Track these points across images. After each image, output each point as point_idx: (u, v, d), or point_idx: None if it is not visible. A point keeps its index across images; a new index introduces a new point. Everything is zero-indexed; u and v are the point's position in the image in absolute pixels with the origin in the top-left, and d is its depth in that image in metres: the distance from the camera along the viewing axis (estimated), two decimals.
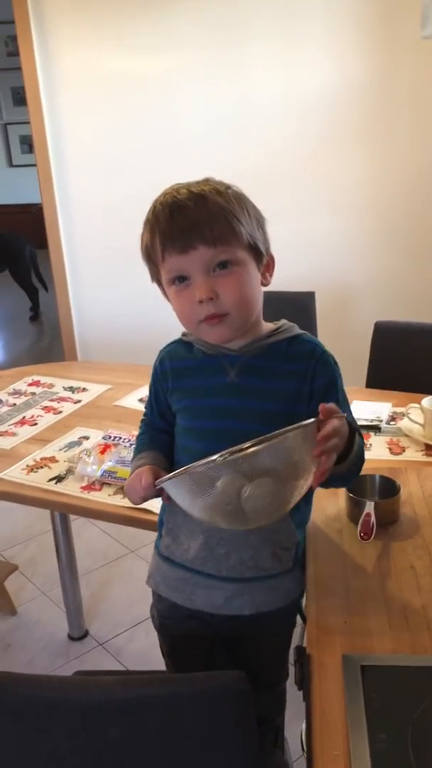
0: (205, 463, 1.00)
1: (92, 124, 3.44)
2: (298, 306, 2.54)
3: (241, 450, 0.99)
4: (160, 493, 1.15)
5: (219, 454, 0.99)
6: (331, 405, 1.05)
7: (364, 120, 3.23)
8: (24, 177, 8.52)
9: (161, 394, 1.29)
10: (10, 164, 8.97)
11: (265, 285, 1.19)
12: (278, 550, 1.24)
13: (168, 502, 1.16)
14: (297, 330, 1.23)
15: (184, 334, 1.27)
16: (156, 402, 1.31)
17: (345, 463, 1.11)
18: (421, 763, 0.84)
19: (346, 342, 3.19)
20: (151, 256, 1.16)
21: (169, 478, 1.05)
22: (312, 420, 1.01)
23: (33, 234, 6.96)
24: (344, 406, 1.18)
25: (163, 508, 1.32)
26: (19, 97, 8.31)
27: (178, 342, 1.29)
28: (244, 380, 1.19)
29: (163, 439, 1.30)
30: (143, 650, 2.32)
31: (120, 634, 2.40)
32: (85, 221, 3.62)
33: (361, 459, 1.17)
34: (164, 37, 3.23)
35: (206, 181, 1.14)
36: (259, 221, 1.16)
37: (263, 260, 1.17)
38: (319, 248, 3.43)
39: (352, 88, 3.18)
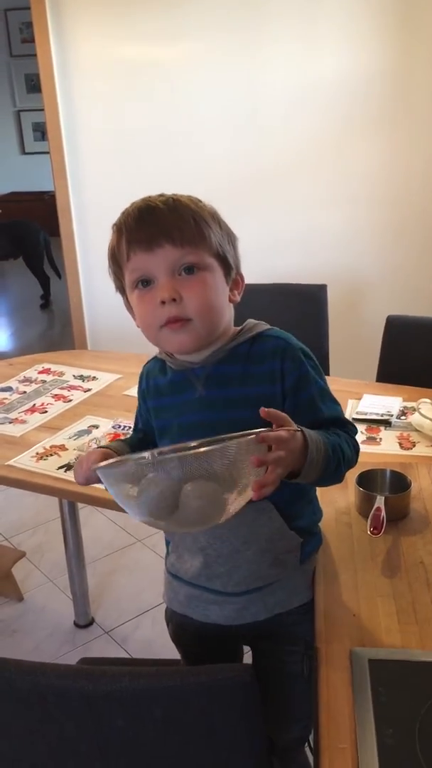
0: (138, 458, 0.99)
1: (106, 112, 3.43)
2: (310, 298, 2.53)
3: (180, 450, 0.97)
4: (87, 478, 1.12)
5: (156, 450, 0.98)
6: (276, 413, 0.98)
7: (380, 111, 3.20)
8: (37, 164, 8.52)
9: (143, 410, 1.27)
10: (23, 151, 8.97)
11: (232, 302, 1.14)
12: (280, 556, 1.20)
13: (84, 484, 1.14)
14: (261, 327, 1.17)
15: (159, 352, 1.24)
16: (140, 420, 1.29)
17: (305, 476, 1.02)
18: (428, 758, 0.84)
19: (357, 335, 3.20)
20: (116, 258, 1.12)
21: (108, 465, 1.00)
22: (262, 429, 0.95)
23: (45, 222, 6.97)
24: (321, 401, 1.12)
25: None
26: (33, 84, 8.30)
27: (154, 359, 1.26)
28: (212, 392, 1.14)
29: (139, 438, 1.27)
30: (149, 639, 2.32)
31: (126, 623, 2.41)
32: (98, 209, 3.61)
33: (332, 462, 1.05)
34: (179, 24, 3.22)
35: (181, 194, 1.11)
36: (230, 237, 1.13)
37: (232, 274, 1.13)
38: (333, 240, 3.41)
39: (369, 79, 3.16)
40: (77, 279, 3.74)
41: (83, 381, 2.26)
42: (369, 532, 1.29)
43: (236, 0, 3.13)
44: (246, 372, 1.12)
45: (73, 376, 2.30)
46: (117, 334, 3.79)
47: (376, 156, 3.28)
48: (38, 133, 8.70)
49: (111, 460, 1.03)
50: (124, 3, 3.22)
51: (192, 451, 0.95)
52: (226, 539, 1.18)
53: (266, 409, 0.97)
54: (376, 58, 3.13)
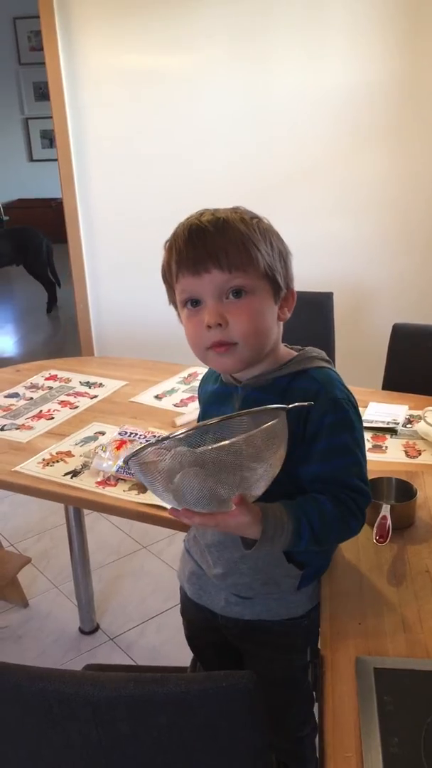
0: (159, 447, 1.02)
1: (114, 120, 3.44)
2: (317, 306, 2.53)
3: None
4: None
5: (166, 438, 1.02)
6: (245, 507, 1.00)
7: (387, 119, 3.21)
8: (44, 172, 8.56)
9: (201, 417, 1.31)
10: (31, 159, 9.01)
11: (281, 320, 1.14)
12: (276, 578, 1.21)
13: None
14: (311, 363, 1.15)
15: None
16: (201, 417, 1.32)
17: (260, 549, 1.06)
18: None
19: (363, 343, 3.20)
20: (166, 277, 1.14)
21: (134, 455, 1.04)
22: (258, 409, 1.01)
23: (52, 229, 6.99)
24: (333, 456, 1.10)
25: None
26: (41, 92, 8.35)
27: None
28: None
29: None
30: (154, 645, 2.32)
31: (131, 629, 2.41)
32: (105, 216, 3.63)
33: (299, 546, 1.09)
34: (187, 33, 3.23)
35: (235, 209, 1.11)
36: (282, 254, 1.12)
37: (281, 293, 1.13)
38: (339, 248, 3.42)
39: (376, 86, 3.16)
40: (84, 286, 3.75)
41: (90, 387, 2.27)
42: (375, 541, 1.29)
43: (243, 10, 3.15)
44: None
45: (80, 382, 2.31)
46: (124, 341, 3.81)
47: (383, 164, 3.29)
48: (46, 141, 8.75)
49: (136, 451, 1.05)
50: (132, 12, 3.24)
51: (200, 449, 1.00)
52: (228, 547, 1.20)
53: (238, 499, 0.99)
54: (383, 66, 3.14)
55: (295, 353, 1.18)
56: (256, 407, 1.04)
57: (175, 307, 1.17)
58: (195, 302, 1.10)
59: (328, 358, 1.19)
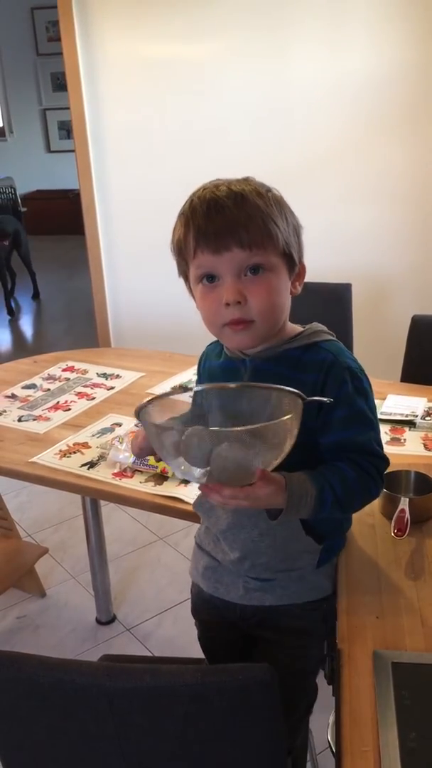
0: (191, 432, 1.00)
1: (132, 110, 3.43)
2: (335, 297, 2.51)
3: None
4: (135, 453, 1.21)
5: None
6: (268, 477, 1.02)
7: (405, 108, 3.18)
8: (62, 162, 8.58)
9: None
10: (49, 150, 9.02)
11: (293, 294, 1.15)
12: (294, 555, 1.22)
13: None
14: (320, 336, 1.17)
15: None
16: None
17: (286, 518, 1.10)
18: None
19: (382, 335, 3.17)
20: (181, 251, 1.12)
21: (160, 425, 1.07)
22: (294, 390, 1.02)
23: (70, 220, 7.00)
24: (354, 423, 1.12)
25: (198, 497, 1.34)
26: (59, 83, 8.35)
27: (216, 342, 1.26)
28: None
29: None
30: (170, 637, 2.33)
31: (147, 620, 2.42)
32: (122, 208, 3.63)
33: (322, 512, 1.10)
34: (205, 23, 3.21)
35: (246, 180, 1.11)
36: (296, 228, 1.13)
37: (295, 269, 1.14)
38: (358, 239, 3.39)
39: (395, 76, 3.13)
40: (101, 277, 3.75)
41: (107, 379, 2.27)
42: (393, 534, 1.28)
43: (260, 0, 3.13)
44: (291, 377, 1.12)
45: (97, 374, 2.31)
46: (140, 332, 3.81)
47: (401, 153, 3.25)
48: (63, 132, 8.76)
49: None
50: (150, 2, 3.22)
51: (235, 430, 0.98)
52: (244, 527, 1.20)
53: (260, 471, 1.01)
54: (401, 56, 3.10)
55: (300, 328, 1.19)
56: (275, 384, 1.07)
57: (185, 280, 1.17)
58: (210, 278, 1.09)
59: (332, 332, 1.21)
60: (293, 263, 1.13)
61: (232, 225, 1.05)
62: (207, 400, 1.14)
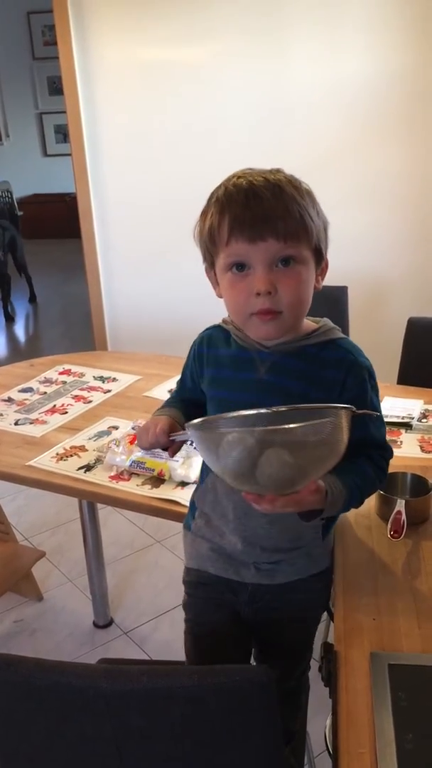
0: (241, 431, 0.99)
1: (128, 114, 3.44)
2: (331, 300, 2.52)
3: (272, 424, 0.99)
4: (168, 445, 1.18)
5: (268, 409, 0.99)
6: (315, 483, 1.04)
7: (402, 111, 3.19)
8: (58, 166, 8.57)
9: (195, 376, 1.29)
10: (45, 153, 9.03)
11: (316, 289, 1.16)
12: (302, 532, 1.24)
13: (172, 456, 1.19)
14: (335, 333, 1.19)
15: (224, 321, 1.25)
16: (190, 380, 1.31)
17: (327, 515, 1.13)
18: None
19: (378, 337, 3.17)
20: (213, 237, 1.10)
21: (197, 424, 1.04)
22: (349, 407, 1.01)
23: (66, 223, 7.00)
24: (372, 420, 1.17)
25: (195, 489, 1.35)
26: (55, 87, 8.36)
27: (217, 327, 1.27)
28: (273, 378, 1.17)
29: (187, 405, 1.30)
30: (167, 640, 2.33)
31: (144, 624, 2.41)
32: (119, 211, 3.63)
33: (351, 506, 1.16)
34: (200, 27, 3.22)
35: (278, 171, 1.11)
36: (325, 223, 1.14)
37: (322, 264, 1.15)
38: (353, 242, 3.40)
39: (392, 79, 3.14)
40: (98, 280, 3.76)
41: (103, 382, 2.27)
42: (389, 536, 1.28)
43: (257, 3, 3.13)
44: (310, 372, 1.15)
45: (93, 377, 2.31)
46: (137, 336, 3.81)
47: (399, 156, 3.26)
48: (60, 135, 8.76)
49: (197, 420, 1.04)
50: (146, 6, 3.23)
51: (284, 427, 0.98)
52: (254, 515, 1.20)
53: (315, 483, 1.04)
54: (399, 58, 3.11)
55: (315, 324, 1.20)
56: (298, 380, 1.13)
57: (211, 267, 1.16)
58: (240, 267, 1.09)
59: None
60: (321, 258, 1.14)
61: (270, 215, 1.05)
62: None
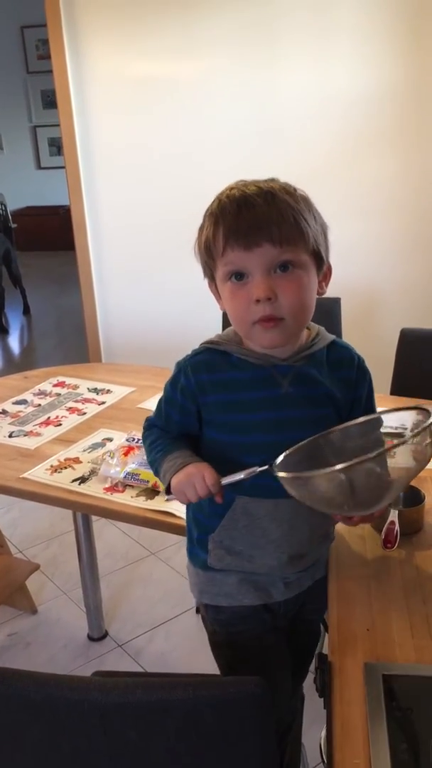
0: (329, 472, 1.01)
1: (121, 127, 3.46)
2: (324, 312, 2.52)
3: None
4: (219, 491, 1.13)
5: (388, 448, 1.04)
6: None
7: (394, 122, 3.21)
8: (52, 179, 8.61)
9: (190, 407, 1.20)
10: (39, 166, 9.06)
11: (320, 294, 1.15)
12: (327, 531, 1.31)
13: (221, 501, 1.14)
14: (329, 335, 1.23)
15: (211, 343, 1.20)
16: (180, 414, 1.22)
17: None
18: None
19: (371, 348, 3.17)
20: (210, 249, 1.10)
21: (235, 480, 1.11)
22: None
23: (60, 236, 7.01)
24: (371, 397, 1.25)
25: (197, 520, 1.29)
26: (49, 100, 8.39)
27: (207, 352, 1.20)
28: (298, 390, 1.16)
29: (186, 443, 1.23)
30: (162, 652, 2.32)
31: (139, 636, 2.41)
32: (113, 224, 3.64)
33: None
34: (194, 40, 3.25)
35: (273, 180, 1.12)
36: (323, 227, 1.14)
37: (323, 268, 1.15)
38: (346, 254, 3.41)
39: (384, 91, 3.17)
40: (92, 292, 3.76)
41: (97, 394, 2.27)
42: (383, 546, 1.29)
43: (249, 16, 3.16)
44: (327, 376, 1.18)
45: (88, 389, 2.31)
46: (131, 348, 3.82)
47: (391, 168, 3.29)
48: (54, 148, 8.79)
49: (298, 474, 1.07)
50: (139, 20, 3.25)
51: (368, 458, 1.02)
52: (299, 529, 1.21)
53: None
54: (389, 70, 3.14)
55: (309, 329, 1.21)
56: (321, 385, 1.17)
57: (212, 280, 1.16)
58: (239, 276, 1.09)
59: None
60: (321, 262, 1.14)
61: (264, 221, 1.05)
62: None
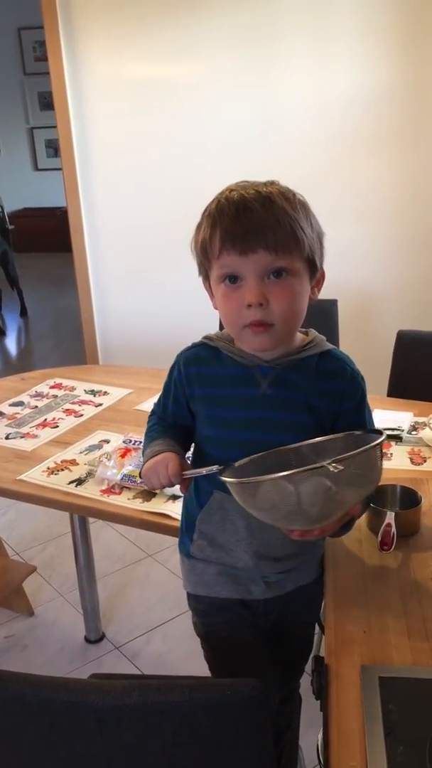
0: (307, 470, 1.02)
1: (118, 129, 3.46)
2: (321, 313, 2.53)
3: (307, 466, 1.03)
4: (180, 482, 1.18)
5: (329, 463, 1.01)
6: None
7: (392, 124, 3.22)
8: (49, 181, 8.60)
9: (181, 398, 1.26)
10: (36, 168, 9.05)
11: (312, 300, 1.17)
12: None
13: (185, 492, 1.20)
14: (326, 345, 1.21)
15: (207, 338, 1.24)
16: (173, 404, 1.28)
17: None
18: None
19: (368, 350, 3.18)
20: (206, 250, 1.12)
21: (201, 474, 1.14)
22: (378, 442, 1.07)
23: (57, 237, 6.99)
24: (370, 421, 1.22)
25: (187, 510, 1.33)
26: (46, 102, 8.39)
27: (202, 346, 1.24)
28: (277, 392, 1.17)
29: (176, 432, 1.29)
30: (159, 654, 2.32)
31: (136, 638, 2.40)
32: (109, 225, 3.64)
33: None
34: (191, 42, 3.25)
35: (272, 183, 1.12)
36: (319, 235, 1.15)
37: (317, 275, 1.16)
38: (343, 255, 3.40)
39: (382, 93, 3.17)
40: (89, 294, 3.76)
41: (94, 396, 2.27)
42: (379, 549, 1.29)
43: (247, 18, 3.16)
44: (311, 384, 1.17)
45: (85, 390, 2.31)
46: (128, 349, 3.81)
47: (388, 170, 3.29)
48: (51, 150, 8.79)
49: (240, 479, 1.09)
50: (136, 22, 3.25)
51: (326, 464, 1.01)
52: (266, 528, 1.20)
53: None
54: (388, 73, 3.14)
55: (305, 335, 1.22)
56: (299, 394, 1.17)
57: (206, 279, 1.17)
58: (233, 279, 1.10)
59: None
60: (315, 269, 1.14)
61: (260, 228, 1.06)
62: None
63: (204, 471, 1.14)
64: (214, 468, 1.13)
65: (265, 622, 1.33)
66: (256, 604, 1.31)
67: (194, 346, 1.26)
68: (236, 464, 1.13)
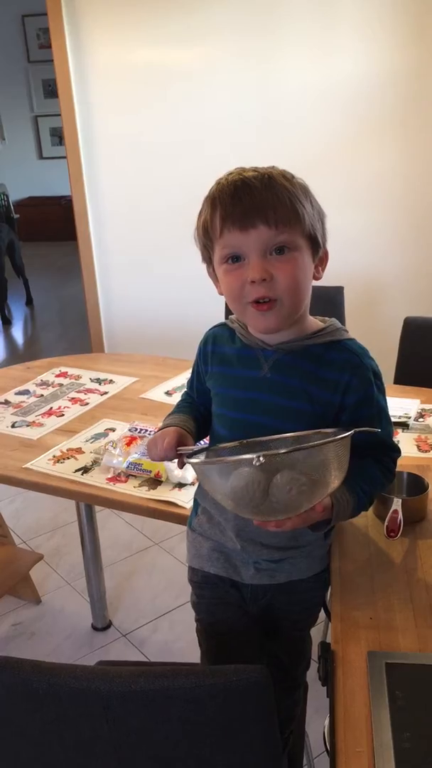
0: (236, 460, 1.02)
1: (122, 116, 3.44)
2: (327, 300, 2.52)
3: (272, 452, 1.01)
4: (177, 457, 1.19)
5: (256, 455, 0.99)
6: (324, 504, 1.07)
7: (396, 111, 3.19)
8: (54, 169, 8.58)
9: (202, 375, 1.30)
10: (41, 156, 9.03)
11: (316, 279, 1.16)
12: (304, 533, 1.24)
13: (182, 467, 1.20)
14: (342, 334, 1.19)
15: (230, 319, 1.26)
16: (197, 380, 1.32)
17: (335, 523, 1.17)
18: None
19: (374, 337, 3.17)
20: (208, 231, 1.12)
21: (192, 453, 1.13)
22: (349, 433, 1.04)
23: (62, 226, 7.00)
24: (378, 421, 1.17)
25: (199, 485, 1.36)
26: (50, 90, 8.37)
27: (223, 326, 1.27)
28: (276, 376, 1.17)
29: (200, 410, 1.32)
30: (166, 642, 2.32)
31: (143, 626, 2.41)
32: (114, 213, 3.63)
33: (358, 511, 1.17)
34: (195, 29, 3.23)
35: (273, 167, 1.13)
36: (320, 214, 1.14)
37: (319, 253, 1.15)
38: (349, 242, 3.40)
39: (387, 80, 3.15)
40: (94, 282, 3.76)
41: (100, 384, 2.27)
42: (386, 535, 1.28)
43: (251, 4, 3.14)
44: (314, 373, 1.16)
45: (90, 379, 2.31)
46: (134, 338, 3.81)
47: (393, 157, 3.27)
48: (55, 138, 8.77)
49: (198, 451, 1.12)
50: (140, 9, 3.23)
51: (282, 452, 1.01)
52: None
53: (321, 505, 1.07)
54: (392, 59, 3.12)
55: (322, 323, 1.20)
56: (300, 382, 1.15)
57: (209, 265, 1.17)
58: (236, 258, 1.10)
59: None
60: (317, 247, 1.14)
61: (260, 204, 1.06)
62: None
63: (195, 449, 1.16)
64: (193, 448, 1.15)
65: (255, 607, 1.33)
66: (245, 589, 1.32)
67: (217, 325, 1.29)
68: (220, 446, 1.16)
